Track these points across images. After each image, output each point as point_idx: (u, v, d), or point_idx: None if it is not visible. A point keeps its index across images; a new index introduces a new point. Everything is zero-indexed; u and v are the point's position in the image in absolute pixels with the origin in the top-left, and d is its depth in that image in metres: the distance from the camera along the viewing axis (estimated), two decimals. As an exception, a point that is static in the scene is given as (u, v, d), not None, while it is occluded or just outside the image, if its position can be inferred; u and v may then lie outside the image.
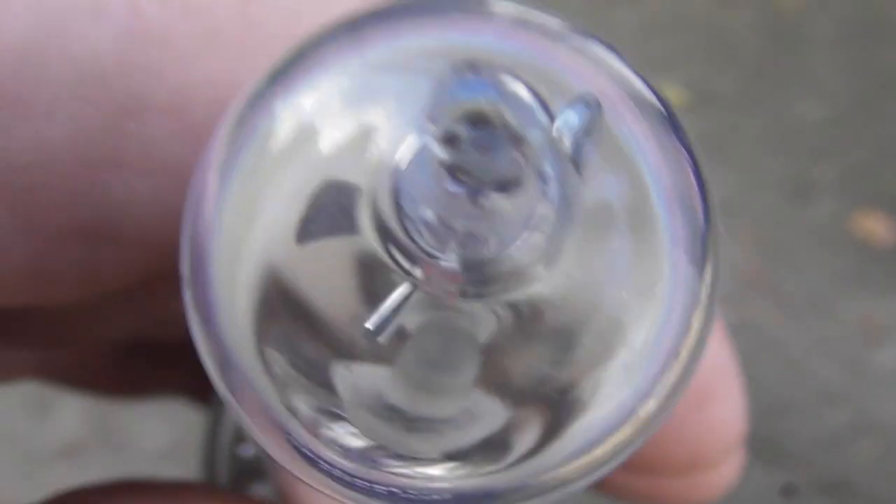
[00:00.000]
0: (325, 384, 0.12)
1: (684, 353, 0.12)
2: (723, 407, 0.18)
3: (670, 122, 0.12)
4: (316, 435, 0.12)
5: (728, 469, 0.19)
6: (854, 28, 1.13)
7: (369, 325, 0.12)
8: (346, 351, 0.12)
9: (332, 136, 0.12)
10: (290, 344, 0.12)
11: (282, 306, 0.12)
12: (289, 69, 0.12)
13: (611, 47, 0.12)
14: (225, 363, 0.12)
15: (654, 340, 0.12)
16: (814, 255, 0.93)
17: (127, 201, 0.14)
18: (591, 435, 0.12)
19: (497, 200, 0.11)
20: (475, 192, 0.11)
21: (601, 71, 0.12)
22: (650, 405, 0.12)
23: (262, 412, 0.12)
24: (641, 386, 0.12)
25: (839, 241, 0.94)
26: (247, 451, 0.25)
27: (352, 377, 0.12)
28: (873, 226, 0.95)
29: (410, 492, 0.12)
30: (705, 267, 0.12)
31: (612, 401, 0.12)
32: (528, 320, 0.12)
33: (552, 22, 0.12)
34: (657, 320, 0.12)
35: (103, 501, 0.19)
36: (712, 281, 0.12)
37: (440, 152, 0.11)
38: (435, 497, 0.12)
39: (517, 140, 0.11)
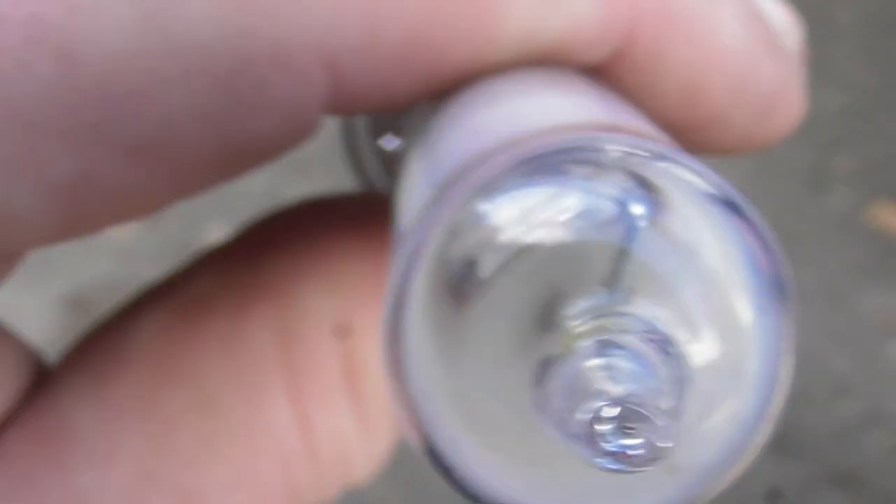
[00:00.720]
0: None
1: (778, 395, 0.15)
2: (788, 111, 0.20)
3: (739, 210, 0.14)
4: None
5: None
6: (875, 18, 1.12)
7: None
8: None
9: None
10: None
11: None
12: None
13: (689, 165, 0.14)
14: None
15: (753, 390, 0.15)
16: (830, 246, 0.92)
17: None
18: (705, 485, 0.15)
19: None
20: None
21: (690, 183, 0.14)
22: (750, 452, 0.14)
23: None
24: (744, 436, 0.14)
25: (856, 232, 0.93)
26: (390, 143, 0.26)
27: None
28: (890, 217, 0.94)
29: None
30: (784, 320, 0.14)
31: (716, 458, 0.15)
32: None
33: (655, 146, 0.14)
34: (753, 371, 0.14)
35: (292, 224, 0.21)
36: (790, 330, 0.14)
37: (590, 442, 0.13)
38: None
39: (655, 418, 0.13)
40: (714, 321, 0.14)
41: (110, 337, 0.19)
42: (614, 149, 0.14)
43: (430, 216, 0.14)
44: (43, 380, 0.19)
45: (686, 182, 0.14)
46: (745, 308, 0.14)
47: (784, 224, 0.93)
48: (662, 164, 0.14)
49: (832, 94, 1.05)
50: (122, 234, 0.94)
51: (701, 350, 0.14)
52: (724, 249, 0.14)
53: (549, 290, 0.14)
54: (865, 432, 0.80)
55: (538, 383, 0.14)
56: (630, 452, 0.13)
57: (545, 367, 0.14)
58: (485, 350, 0.14)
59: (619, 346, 0.14)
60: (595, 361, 0.14)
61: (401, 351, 0.14)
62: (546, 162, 0.14)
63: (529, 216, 0.14)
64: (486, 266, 0.14)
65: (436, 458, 0.15)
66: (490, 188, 0.14)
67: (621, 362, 0.14)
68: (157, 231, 0.93)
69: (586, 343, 0.14)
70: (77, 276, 0.89)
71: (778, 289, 0.14)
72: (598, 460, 0.13)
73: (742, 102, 0.19)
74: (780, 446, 0.79)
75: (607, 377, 0.14)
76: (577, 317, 0.14)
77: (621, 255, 0.14)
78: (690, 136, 0.19)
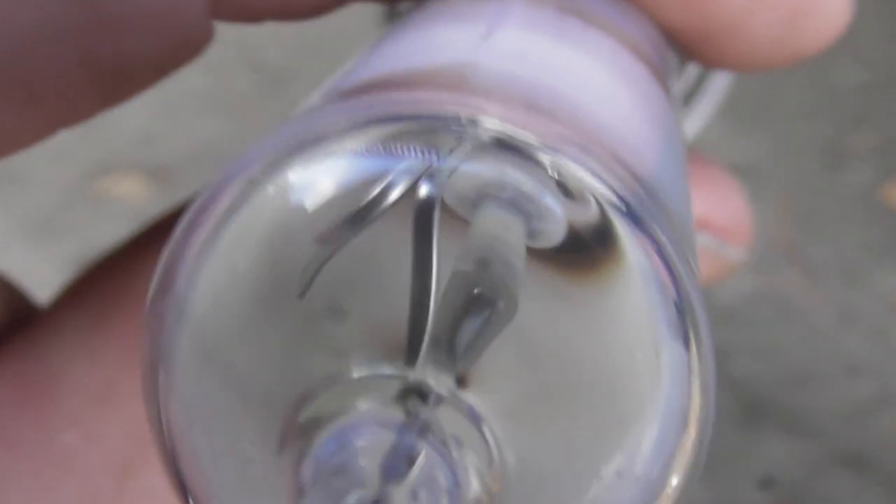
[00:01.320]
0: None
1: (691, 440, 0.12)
2: (824, 17, 0.18)
3: (634, 218, 0.12)
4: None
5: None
6: (898, -7, 1.11)
7: None
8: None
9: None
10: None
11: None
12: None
13: (582, 161, 0.11)
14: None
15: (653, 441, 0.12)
16: (845, 224, 0.91)
17: None
18: None
19: None
20: None
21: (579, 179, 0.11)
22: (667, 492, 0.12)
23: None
24: (650, 482, 0.12)
25: (872, 210, 0.92)
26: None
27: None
28: (908, 196, 0.93)
29: None
30: (690, 343, 0.11)
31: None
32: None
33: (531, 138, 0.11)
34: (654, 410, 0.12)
35: None
36: (701, 357, 0.12)
37: None
38: None
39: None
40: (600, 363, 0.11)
41: (109, 278, 0.17)
42: (482, 128, 0.11)
43: (219, 181, 0.11)
44: (27, 321, 0.17)
45: (580, 182, 0.11)
46: (644, 340, 0.11)
47: (799, 201, 0.92)
48: (547, 157, 0.11)
49: (851, 69, 1.03)
50: (132, 196, 0.93)
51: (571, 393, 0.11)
52: (621, 266, 0.11)
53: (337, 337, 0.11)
54: (876, 413, 0.79)
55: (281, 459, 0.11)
56: None
57: (285, 442, 0.11)
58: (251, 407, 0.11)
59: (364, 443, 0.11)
60: (325, 460, 0.11)
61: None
62: (380, 131, 0.11)
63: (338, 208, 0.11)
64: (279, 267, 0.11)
65: None
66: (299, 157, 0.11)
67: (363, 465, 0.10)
68: (166, 192, 0.93)
69: (328, 430, 0.11)
70: (86, 237, 0.89)
71: (682, 315, 0.11)
72: None
73: (760, 6, 0.17)
74: (787, 426, 0.79)
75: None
76: (345, 384, 0.11)
77: (434, 302, 0.11)
78: (704, 47, 0.17)
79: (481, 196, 0.11)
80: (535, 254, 0.11)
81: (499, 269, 0.10)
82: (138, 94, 0.15)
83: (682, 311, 0.11)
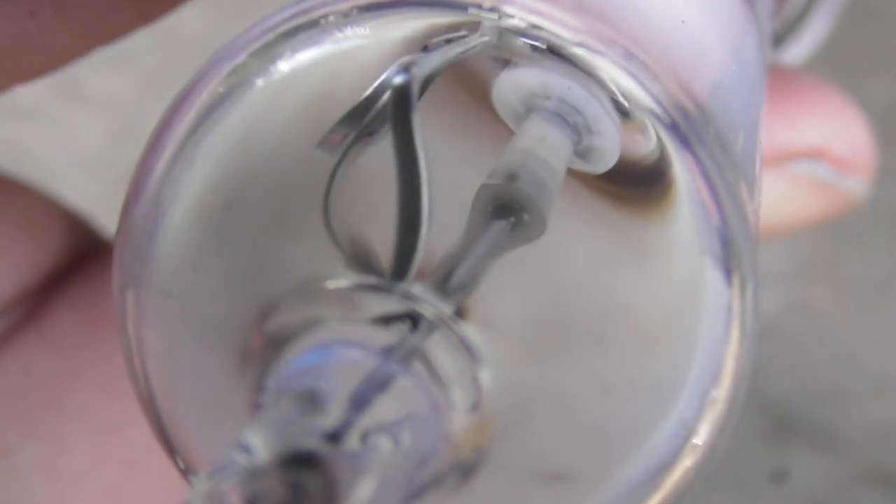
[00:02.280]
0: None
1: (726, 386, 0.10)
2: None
3: (678, 132, 0.10)
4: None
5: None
6: (933, 8, 1.10)
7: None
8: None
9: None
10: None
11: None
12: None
13: (620, 61, 0.10)
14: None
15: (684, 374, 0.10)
16: (878, 239, 0.90)
17: None
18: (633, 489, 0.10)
19: None
20: None
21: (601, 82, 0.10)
22: (696, 442, 0.11)
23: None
24: (681, 421, 0.10)
25: (904, 226, 0.91)
26: None
27: None
28: (941, 213, 0.92)
29: None
30: (732, 280, 0.10)
31: (650, 453, 0.10)
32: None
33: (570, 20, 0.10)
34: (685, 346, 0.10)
35: None
36: (743, 291, 0.10)
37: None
38: None
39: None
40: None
41: None
42: (503, 16, 0.09)
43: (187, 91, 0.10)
44: (95, 256, 0.17)
45: (617, 84, 0.10)
46: (679, 270, 0.10)
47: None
48: (581, 54, 0.10)
49: (883, 85, 1.02)
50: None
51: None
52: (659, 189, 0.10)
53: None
54: (907, 432, 0.78)
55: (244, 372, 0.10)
56: None
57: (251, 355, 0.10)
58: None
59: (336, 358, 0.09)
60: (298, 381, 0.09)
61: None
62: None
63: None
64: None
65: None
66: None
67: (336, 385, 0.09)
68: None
69: (295, 345, 0.09)
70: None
71: (726, 249, 0.10)
72: None
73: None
74: (816, 443, 0.78)
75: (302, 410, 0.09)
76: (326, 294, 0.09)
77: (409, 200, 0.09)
78: None
79: (528, 109, 0.10)
80: (587, 180, 0.10)
81: (524, 186, 0.09)
82: (176, 5, 0.14)
83: (725, 242, 0.10)
